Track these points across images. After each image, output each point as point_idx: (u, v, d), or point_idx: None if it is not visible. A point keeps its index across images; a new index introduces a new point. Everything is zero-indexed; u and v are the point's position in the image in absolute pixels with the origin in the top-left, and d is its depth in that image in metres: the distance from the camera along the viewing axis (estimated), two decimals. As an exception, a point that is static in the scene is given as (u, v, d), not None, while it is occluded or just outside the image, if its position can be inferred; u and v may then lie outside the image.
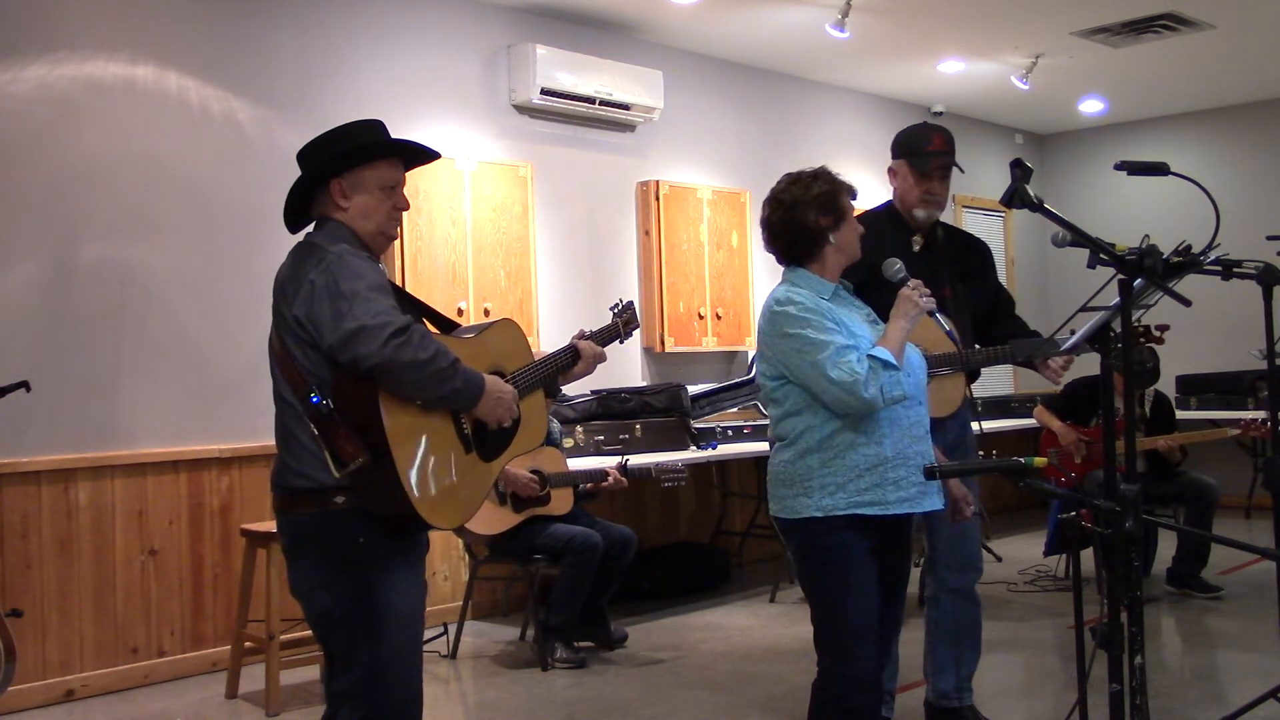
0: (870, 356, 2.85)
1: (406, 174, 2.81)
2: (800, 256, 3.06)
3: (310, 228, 2.77)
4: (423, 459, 2.57)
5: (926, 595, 4.01)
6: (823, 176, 3.07)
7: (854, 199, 3.07)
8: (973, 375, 3.94)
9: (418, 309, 2.86)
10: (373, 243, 2.72)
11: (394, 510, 2.55)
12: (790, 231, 3.05)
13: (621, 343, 3.41)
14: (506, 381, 2.79)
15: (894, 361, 2.86)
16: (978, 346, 3.77)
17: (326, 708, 2.72)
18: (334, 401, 2.54)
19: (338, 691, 2.65)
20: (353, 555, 2.58)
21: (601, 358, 3.11)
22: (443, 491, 2.62)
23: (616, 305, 3.43)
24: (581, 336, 3.12)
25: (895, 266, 3.13)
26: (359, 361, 2.47)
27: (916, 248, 3.78)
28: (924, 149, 3.73)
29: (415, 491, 2.53)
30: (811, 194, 3.03)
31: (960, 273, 3.83)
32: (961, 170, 3.83)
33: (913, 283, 3.01)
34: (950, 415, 3.79)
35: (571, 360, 3.05)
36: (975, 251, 4.00)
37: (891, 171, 3.84)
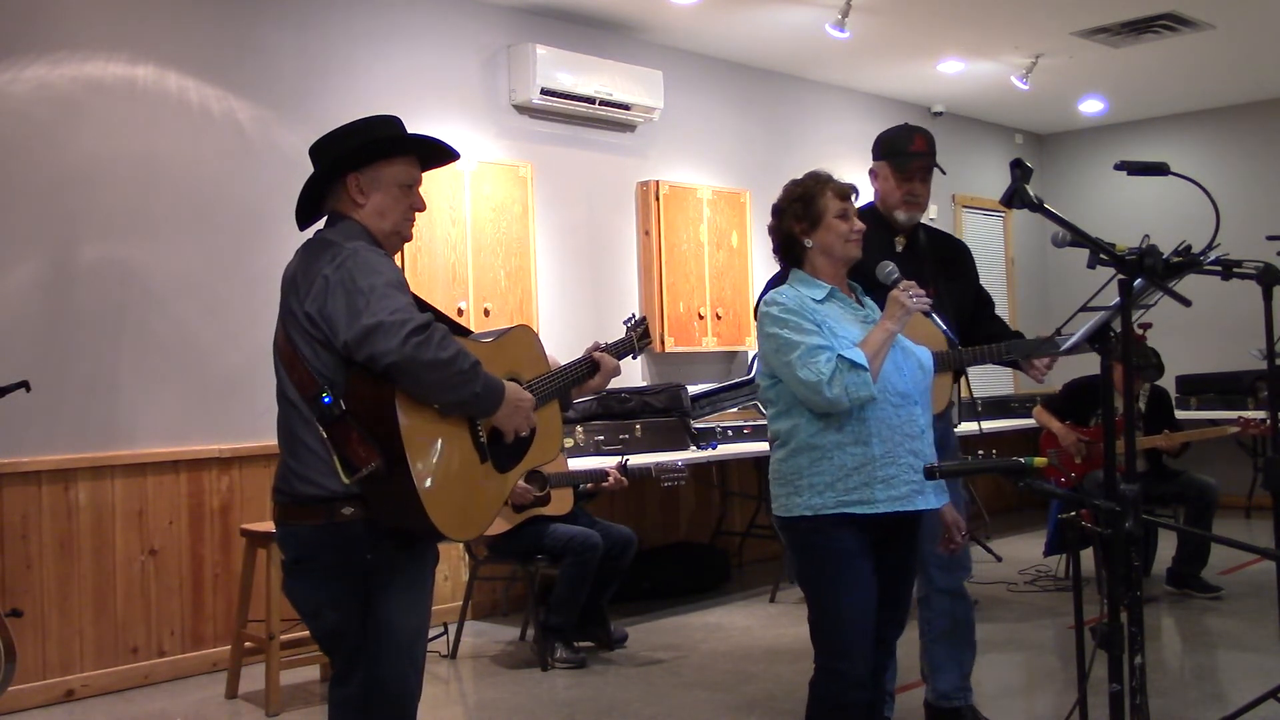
0: (839, 356, 2.87)
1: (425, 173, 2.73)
2: (791, 261, 3.13)
3: (320, 224, 2.68)
4: (439, 466, 2.46)
5: (918, 596, 4.00)
6: (803, 180, 3.10)
7: (845, 197, 3.05)
8: (958, 374, 3.95)
9: (427, 312, 2.78)
10: (387, 243, 2.63)
11: (405, 520, 2.46)
12: (776, 238, 3.15)
13: (635, 358, 3.37)
14: (525, 387, 2.72)
15: (862, 362, 2.86)
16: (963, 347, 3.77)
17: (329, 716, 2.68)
18: (346, 403, 2.43)
19: (334, 702, 2.61)
20: (359, 572, 2.50)
21: (617, 372, 3.05)
22: (458, 502, 2.51)
23: (630, 319, 3.34)
24: (597, 349, 3.04)
25: (888, 269, 3.13)
26: (376, 359, 2.36)
27: (900, 249, 3.80)
28: (905, 150, 3.75)
29: (429, 501, 2.41)
30: (789, 200, 3.08)
31: (943, 273, 3.84)
32: (943, 171, 3.85)
33: (904, 284, 3.01)
34: (936, 415, 3.79)
35: (590, 372, 2.97)
36: (957, 252, 4.03)
37: (873, 173, 3.86)
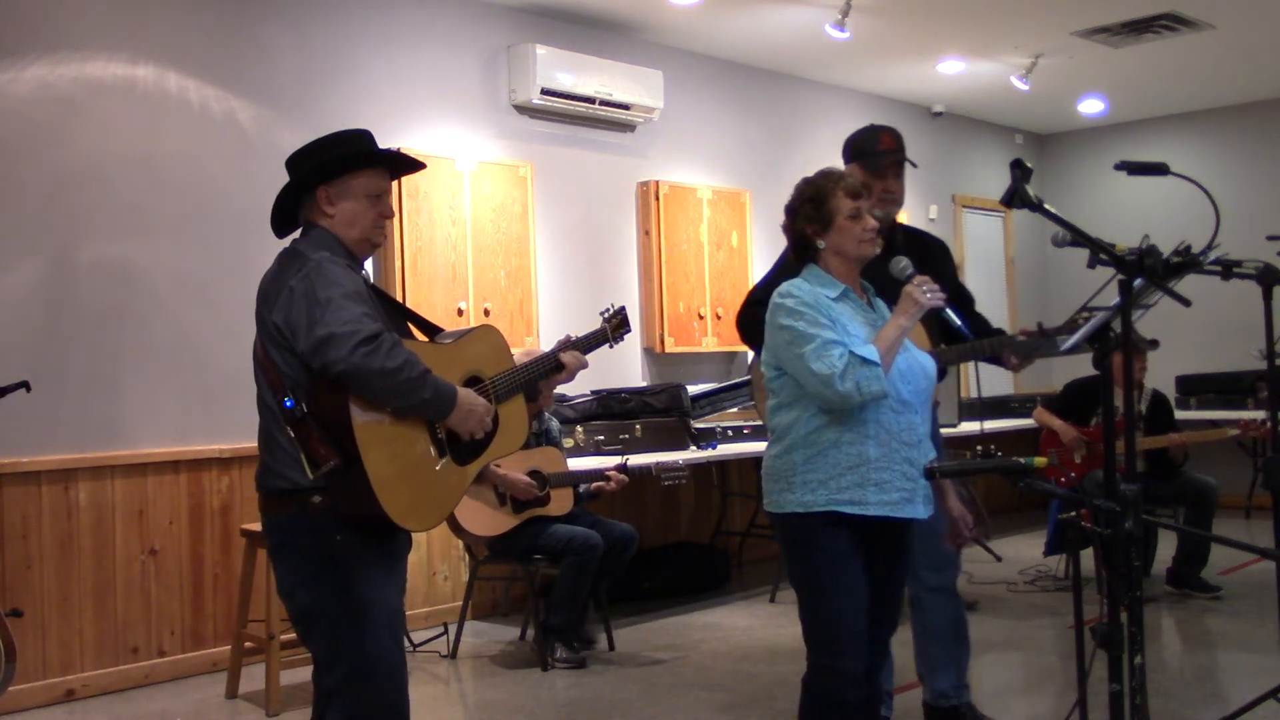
0: (851, 352, 2.86)
1: (396, 180, 2.91)
2: (806, 260, 3.12)
3: (297, 233, 2.82)
4: (393, 463, 2.62)
5: (909, 597, 3.99)
6: (815, 180, 3.08)
7: (858, 196, 3.04)
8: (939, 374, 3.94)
9: (402, 314, 2.93)
10: (357, 249, 2.79)
11: (365, 512, 2.61)
12: (790, 237, 3.14)
13: (611, 347, 3.42)
14: (485, 385, 2.85)
15: (875, 358, 2.87)
16: (943, 346, 3.77)
17: (314, 707, 2.76)
18: (308, 405, 2.61)
19: (325, 689, 2.71)
20: (331, 553, 2.65)
21: (584, 365, 3.16)
22: (413, 496, 2.66)
23: (607, 310, 3.44)
24: (567, 343, 3.15)
25: (902, 264, 3.13)
26: (328, 368, 2.53)
27: (878, 250, 3.78)
28: (875, 149, 3.77)
29: (384, 495, 2.58)
30: (801, 200, 3.08)
31: (923, 273, 3.83)
32: (914, 165, 3.85)
33: (918, 279, 3.00)
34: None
35: (554, 369, 3.09)
36: (936, 251, 4.01)
37: None
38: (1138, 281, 2.62)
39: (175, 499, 5.17)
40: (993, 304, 9.50)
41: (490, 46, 6.48)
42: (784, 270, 3.42)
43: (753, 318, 3.55)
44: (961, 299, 4.04)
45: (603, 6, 6.66)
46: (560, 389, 4.37)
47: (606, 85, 6.70)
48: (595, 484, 5.30)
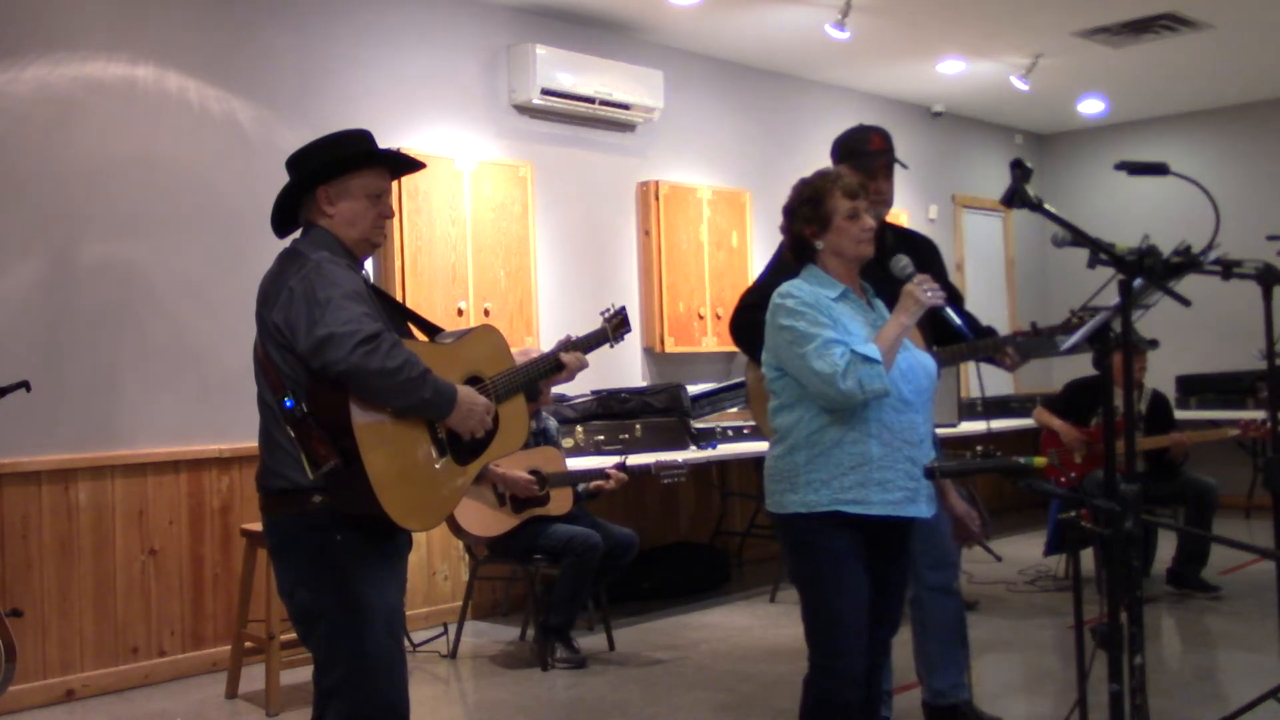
0: (853, 350, 2.86)
1: (396, 180, 2.91)
2: (805, 260, 3.12)
3: (298, 233, 2.83)
4: (393, 463, 2.63)
5: (909, 597, 3.99)
6: (813, 180, 3.08)
7: (855, 196, 3.03)
8: None
9: (402, 314, 2.93)
10: (357, 249, 2.79)
11: (365, 512, 2.61)
12: (788, 238, 3.14)
13: (612, 347, 3.42)
14: (485, 384, 2.85)
15: (875, 356, 2.87)
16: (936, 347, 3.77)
17: (314, 707, 2.76)
18: (308, 405, 2.61)
19: (325, 689, 2.71)
20: (331, 553, 2.66)
21: (584, 365, 3.16)
22: (413, 495, 2.67)
23: (608, 310, 3.44)
24: (568, 343, 3.16)
25: (903, 263, 3.13)
26: (328, 367, 2.54)
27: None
28: (866, 149, 3.75)
29: (384, 494, 2.59)
30: (799, 201, 3.08)
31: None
32: (905, 166, 3.84)
33: (919, 278, 3.00)
34: None
35: (555, 369, 3.09)
36: (925, 250, 4.00)
37: None
38: (1138, 281, 2.62)
39: (175, 499, 5.17)
40: (993, 304, 9.50)
41: (490, 46, 6.48)
42: (776, 273, 3.42)
43: (747, 323, 3.53)
44: (951, 297, 4.03)
45: (603, 6, 6.66)
46: (560, 389, 4.37)
47: (606, 85, 6.70)
48: (595, 483, 5.30)
